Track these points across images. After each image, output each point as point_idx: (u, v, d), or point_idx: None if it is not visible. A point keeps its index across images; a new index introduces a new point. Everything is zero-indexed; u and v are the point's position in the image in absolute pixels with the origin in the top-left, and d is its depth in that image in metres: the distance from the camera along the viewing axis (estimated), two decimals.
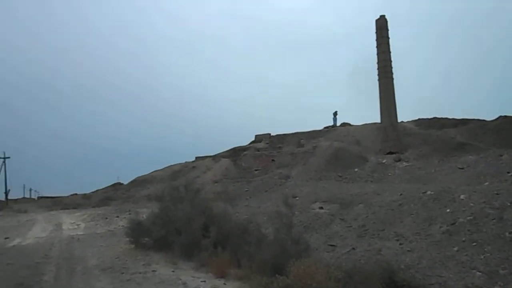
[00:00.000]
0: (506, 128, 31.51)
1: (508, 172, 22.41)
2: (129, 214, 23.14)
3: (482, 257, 8.23)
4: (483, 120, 33.68)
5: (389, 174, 26.26)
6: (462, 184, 19.65)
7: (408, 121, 36.53)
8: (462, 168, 25.15)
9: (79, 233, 17.79)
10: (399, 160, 30.13)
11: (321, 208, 15.02)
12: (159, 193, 14.43)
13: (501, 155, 25.35)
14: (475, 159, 26.14)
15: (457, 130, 33.25)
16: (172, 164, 38.10)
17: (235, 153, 37.06)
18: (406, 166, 28.59)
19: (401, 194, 15.82)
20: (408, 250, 8.88)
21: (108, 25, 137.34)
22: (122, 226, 18.05)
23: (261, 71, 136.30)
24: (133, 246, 12.57)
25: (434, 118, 36.25)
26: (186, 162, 37.54)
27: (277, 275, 8.10)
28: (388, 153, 32.16)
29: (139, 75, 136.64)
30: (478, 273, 7.89)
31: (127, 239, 12.77)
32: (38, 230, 19.60)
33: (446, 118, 35.65)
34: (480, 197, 10.62)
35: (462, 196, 10.91)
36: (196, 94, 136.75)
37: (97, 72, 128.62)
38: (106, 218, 23.07)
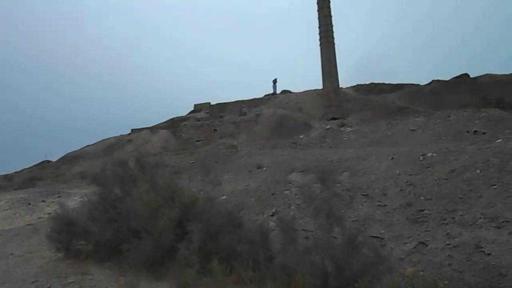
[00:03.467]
0: (440, 92, 29.62)
1: (468, 131, 20.02)
2: (59, 197, 17.50)
3: None
4: (418, 85, 31.48)
5: (344, 138, 22.85)
6: (428, 144, 16.66)
7: (347, 87, 33.42)
8: (414, 130, 22.59)
9: None
10: (343, 125, 27.04)
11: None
12: (96, 172, 9.22)
13: (449, 116, 23.12)
14: (423, 120, 23.69)
15: (395, 94, 30.82)
16: (105, 138, 31.90)
17: (173, 124, 31.75)
18: (353, 130, 25.55)
19: (392, 158, 12.17)
20: None
21: None
22: (49, 214, 12.75)
23: (203, 41, 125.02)
24: (61, 255, 7.53)
25: (372, 83, 33.53)
26: (121, 135, 31.56)
27: None
28: (331, 119, 28.92)
29: (62, 46, 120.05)
30: None
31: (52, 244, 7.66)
32: None
33: (383, 83, 33.09)
34: None
35: None
36: (132, 62, 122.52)
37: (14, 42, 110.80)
38: (29, 203, 17.06)
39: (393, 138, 20.80)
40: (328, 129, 26.32)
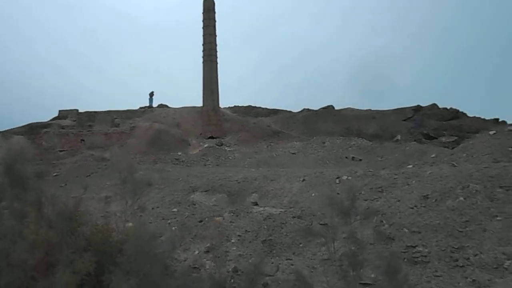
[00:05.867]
0: (310, 120, 30.64)
1: (346, 157, 20.46)
2: None
3: None
4: (291, 111, 32.11)
5: (230, 157, 21.33)
6: (318, 167, 16.26)
7: (225, 107, 32.26)
8: (294, 154, 22.43)
9: None
10: (221, 144, 25.77)
11: (255, 203, 8.72)
12: None
13: (324, 142, 23.69)
14: (301, 145, 23.93)
15: (270, 119, 30.87)
16: None
17: (32, 130, 26.00)
18: (232, 150, 24.40)
19: (303, 180, 10.99)
20: None
21: None
22: None
23: (71, 42, 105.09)
24: None
25: (249, 106, 33.07)
26: None
27: None
28: (209, 138, 27.30)
29: None
30: None
31: None
32: None
33: (260, 107, 32.92)
34: None
35: None
36: None
37: None
38: None
39: (279, 159, 20.10)
40: (208, 147, 24.62)
